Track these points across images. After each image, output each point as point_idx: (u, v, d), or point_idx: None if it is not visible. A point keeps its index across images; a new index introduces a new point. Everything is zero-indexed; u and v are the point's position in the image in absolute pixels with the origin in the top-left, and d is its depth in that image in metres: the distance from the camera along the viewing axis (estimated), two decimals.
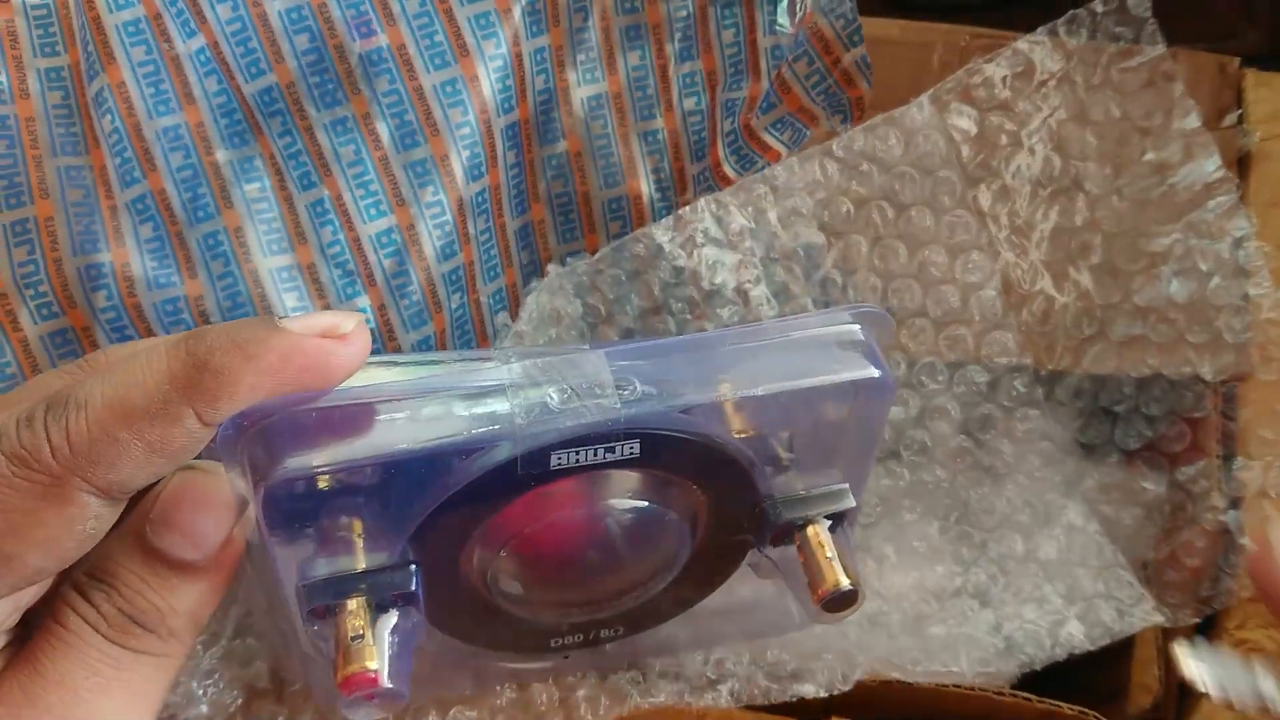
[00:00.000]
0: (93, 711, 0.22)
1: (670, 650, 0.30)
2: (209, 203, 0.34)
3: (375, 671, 0.23)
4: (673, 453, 0.25)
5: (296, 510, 0.23)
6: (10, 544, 0.21)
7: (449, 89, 0.35)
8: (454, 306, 0.37)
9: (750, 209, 0.35)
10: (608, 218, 0.39)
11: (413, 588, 0.25)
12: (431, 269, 0.36)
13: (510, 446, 0.23)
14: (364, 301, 0.35)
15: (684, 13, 0.37)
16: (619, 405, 0.23)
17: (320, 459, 0.22)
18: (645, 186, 0.38)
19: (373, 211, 0.35)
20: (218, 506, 0.23)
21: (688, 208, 0.35)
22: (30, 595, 0.23)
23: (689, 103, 0.38)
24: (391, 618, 0.24)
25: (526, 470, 0.24)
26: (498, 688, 0.31)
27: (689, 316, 0.35)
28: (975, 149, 0.38)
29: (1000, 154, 0.37)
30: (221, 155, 0.34)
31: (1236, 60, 0.41)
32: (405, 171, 0.35)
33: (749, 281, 0.35)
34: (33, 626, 0.24)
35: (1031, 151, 0.37)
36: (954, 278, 0.37)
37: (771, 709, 0.30)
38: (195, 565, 0.23)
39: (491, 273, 0.38)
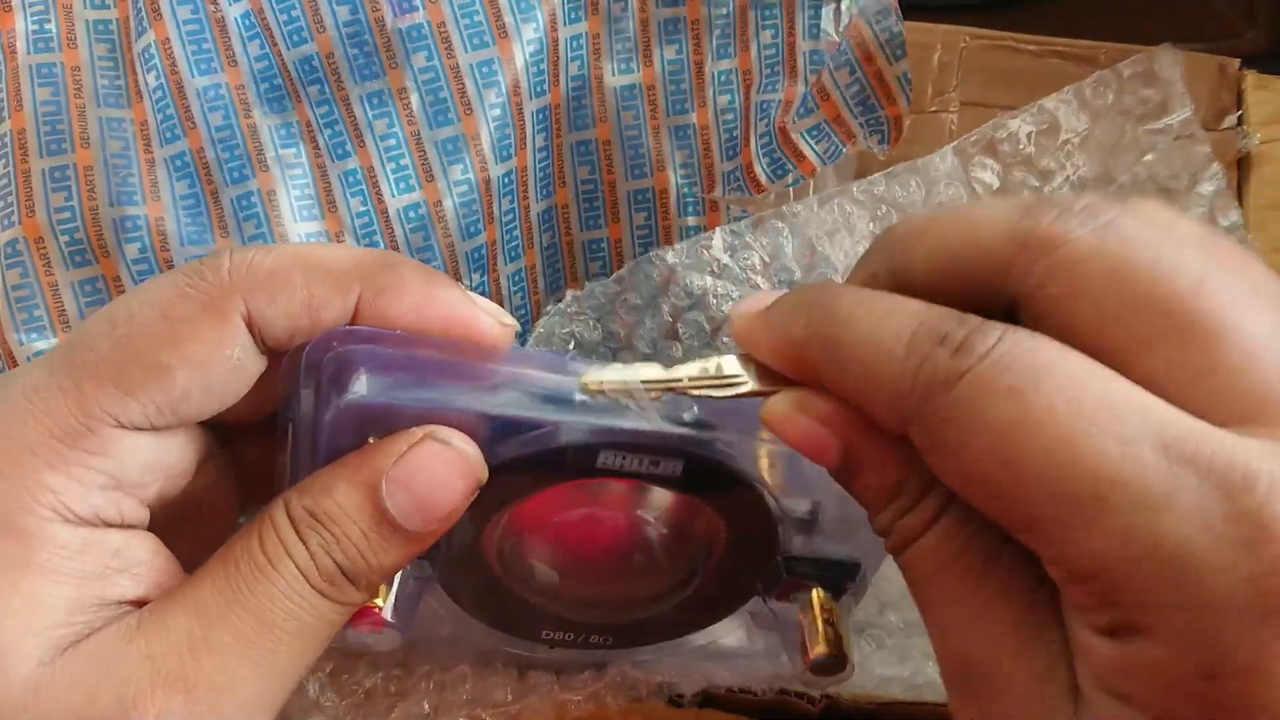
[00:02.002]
0: (281, 650, 0.22)
1: (651, 672, 0.31)
2: (245, 164, 0.35)
3: (380, 608, 0.24)
4: (712, 483, 0.26)
5: (356, 436, 0.23)
6: (167, 353, 0.22)
7: (485, 69, 0.36)
8: (474, 284, 0.37)
9: (765, 242, 0.36)
10: (632, 208, 0.39)
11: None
12: (455, 246, 0.37)
13: (566, 432, 0.24)
14: None
15: (724, 10, 0.37)
16: (679, 421, 0.24)
17: (398, 395, 0.23)
18: (673, 180, 0.38)
19: (402, 185, 0.35)
20: (460, 485, 0.23)
21: (703, 235, 0.35)
22: (178, 449, 0.24)
23: (722, 100, 0.38)
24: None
25: (573, 461, 0.24)
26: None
27: (696, 344, 0.35)
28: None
29: None
30: (260, 118, 0.35)
31: (1236, 61, 0.41)
32: (436, 148, 0.36)
33: None
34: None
35: None
36: None
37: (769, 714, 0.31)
38: (414, 533, 0.23)
39: (513, 253, 0.38)
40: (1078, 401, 0.18)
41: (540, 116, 0.37)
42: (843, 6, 0.35)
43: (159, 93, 0.35)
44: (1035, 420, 0.18)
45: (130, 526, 0.23)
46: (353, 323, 0.24)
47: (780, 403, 0.22)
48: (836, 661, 0.27)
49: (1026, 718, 0.20)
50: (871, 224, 0.38)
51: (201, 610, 0.22)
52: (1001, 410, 0.18)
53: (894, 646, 0.32)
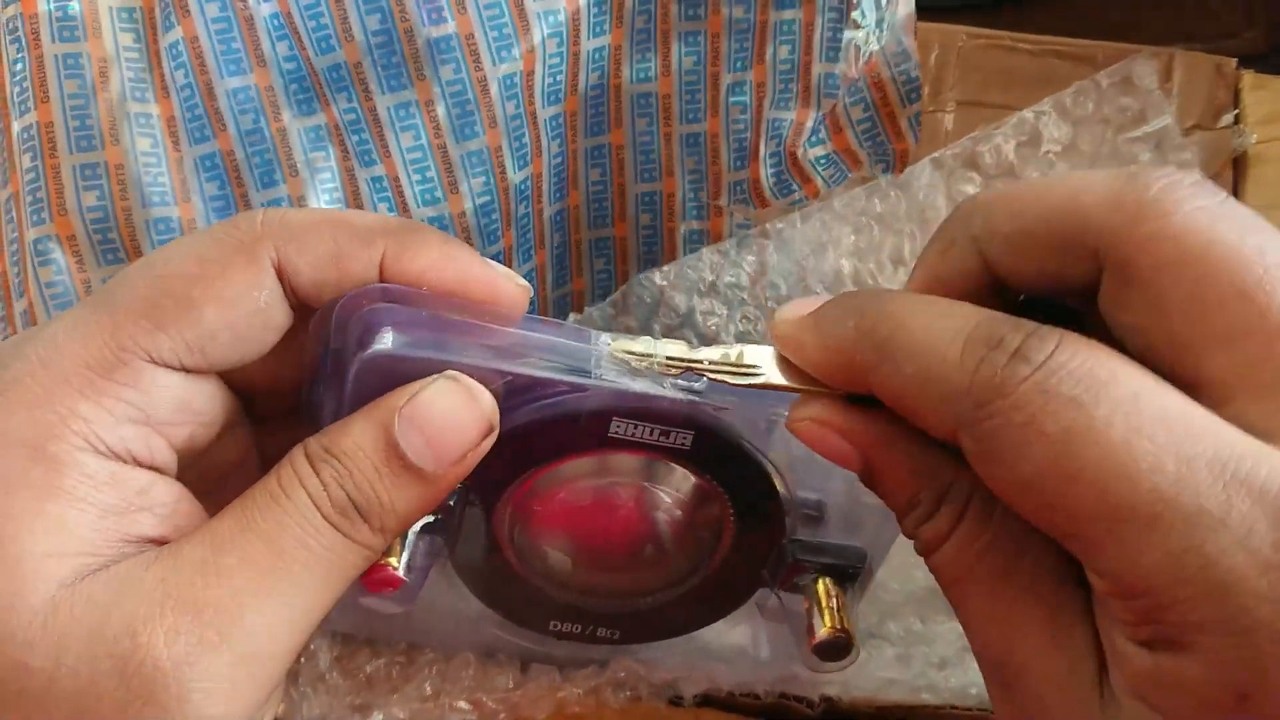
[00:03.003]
0: (290, 578, 0.23)
1: (654, 669, 0.33)
2: (275, 168, 0.35)
3: (395, 567, 0.25)
4: (721, 459, 0.27)
5: (380, 390, 0.24)
6: (198, 289, 0.24)
7: (509, 81, 0.36)
8: None
9: (752, 258, 0.37)
10: (639, 209, 0.40)
11: (452, 503, 0.27)
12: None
13: (581, 398, 0.25)
14: None
15: (744, 24, 0.38)
16: (689, 389, 0.25)
17: (421, 349, 0.24)
18: (679, 185, 0.40)
19: (427, 197, 0.36)
20: (471, 425, 0.24)
21: (690, 256, 0.36)
22: (206, 396, 0.25)
23: (735, 110, 0.39)
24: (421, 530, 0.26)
25: (586, 427, 0.26)
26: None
27: None
28: None
29: None
30: (289, 121, 0.35)
31: (1233, 61, 0.41)
32: (461, 161, 0.36)
33: (746, 332, 0.37)
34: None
35: None
36: None
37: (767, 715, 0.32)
38: (426, 473, 0.24)
39: (525, 255, 0.40)
40: (1137, 416, 0.18)
41: (555, 123, 0.38)
42: (861, 43, 0.36)
43: (187, 91, 0.35)
44: (1095, 432, 0.18)
45: (157, 469, 0.24)
46: (380, 278, 0.25)
47: (803, 414, 0.23)
48: (842, 642, 0.28)
49: (1058, 710, 0.20)
50: (854, 236, 0.39)
51: (215, 539, 0.23)
52: (1061, 420, 0.19)
53: (895, 655, 0.33)
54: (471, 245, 0.37)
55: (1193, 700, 0.19)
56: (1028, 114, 0.41)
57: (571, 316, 0.38)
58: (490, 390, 0.25)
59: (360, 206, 0.36)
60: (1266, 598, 0.18)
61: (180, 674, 0.21)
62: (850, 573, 0.29)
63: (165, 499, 0.24)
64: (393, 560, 0.25)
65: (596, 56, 0.38)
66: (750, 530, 0.29)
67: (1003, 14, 0.45)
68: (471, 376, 0.24)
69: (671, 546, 0.30)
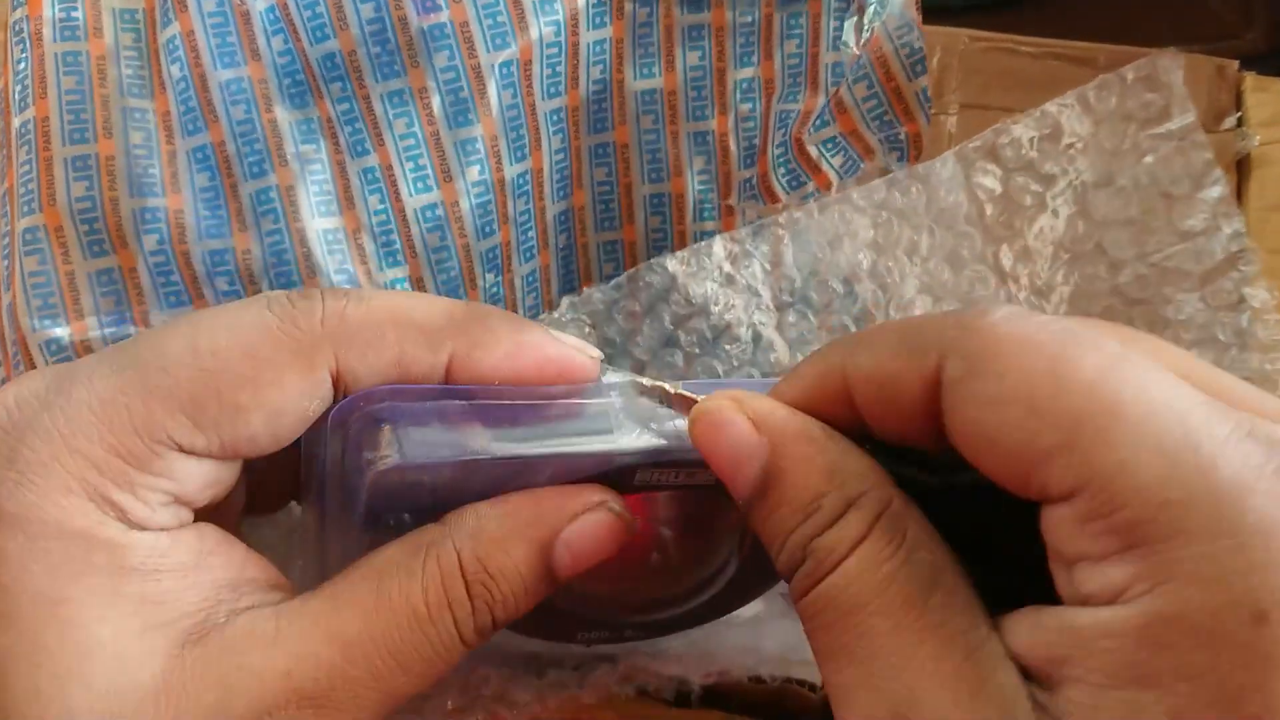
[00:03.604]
0: (410, 687, 0.22)
1: (667, 662, 0.31)
2: (265, 159, 0.34)
3: None
4: None
5: (396, 496, 0.23)
6: (246, 394, 0.22)
7: (505, 70, 0.36)
8: (488, 284, 0.37)
9: (767, 248, 0.36)
10: (648, 211, 0.39)
11: None
12: (470, 246, 0.37)
13: (601, 462, 0.24)
14: (402, 272, 0.35)
15: (749, 18, 0.37)
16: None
17: (431, 451, 0.22)
18: (689, 186, 0.38)
19: (419, 185, 0.35)
20: (612, 549, 0.24)
21: (704, 242, 0.35)
22: (230, 470, 0.23)
23: (743, 108, 0.38)
24: None
25: (613, 483, 0.24)
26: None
27: (698, 351, 0.35)
28: (999, 208, 0.37)
29: (1024, 215, 0.37)
30: (280, 113, 0.35)
31: (1235, 63, 0.41)
32: (455, 148, 0.35)
33: (761, 323, 0.35)
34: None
35: (1055, 214, 0.37)
36: None
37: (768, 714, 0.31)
38: (558, 580, 0.23)
39: (527, 254, 0.38)
40: (1125, 352, 0.18)
41: (556, 118, 0.37)
42: (865, 20, 0.34)
43: (182, 84, 0.34)
44: (1086, 346, 0.18)
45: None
46: (446, 379, 0.23)
47: (710, 400, 0.22)
48: None
49: None
50: (873, 230, 0.37)
51: (345, 644, 0.22)
52: (1053, 334, 0.18)
53: None
54: (466, 237, 0.36)
55: (1198, 640, 0.16)
56: (1050, 107, 0.40)
57: (565, 299, 0.36)
58: (513, 473, 0.24)
59: (351, 199, 0.35)
60: (1271, 497, 0.16)
61: None
62: None
63: (218, 538, 0.23)
64: None
65: (597, 49, 0.37)
66: None
67: (1003, 16, 0.44)
68: (487, 468, 0.23)
69: (693, 562, 0.29)
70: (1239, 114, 0.40)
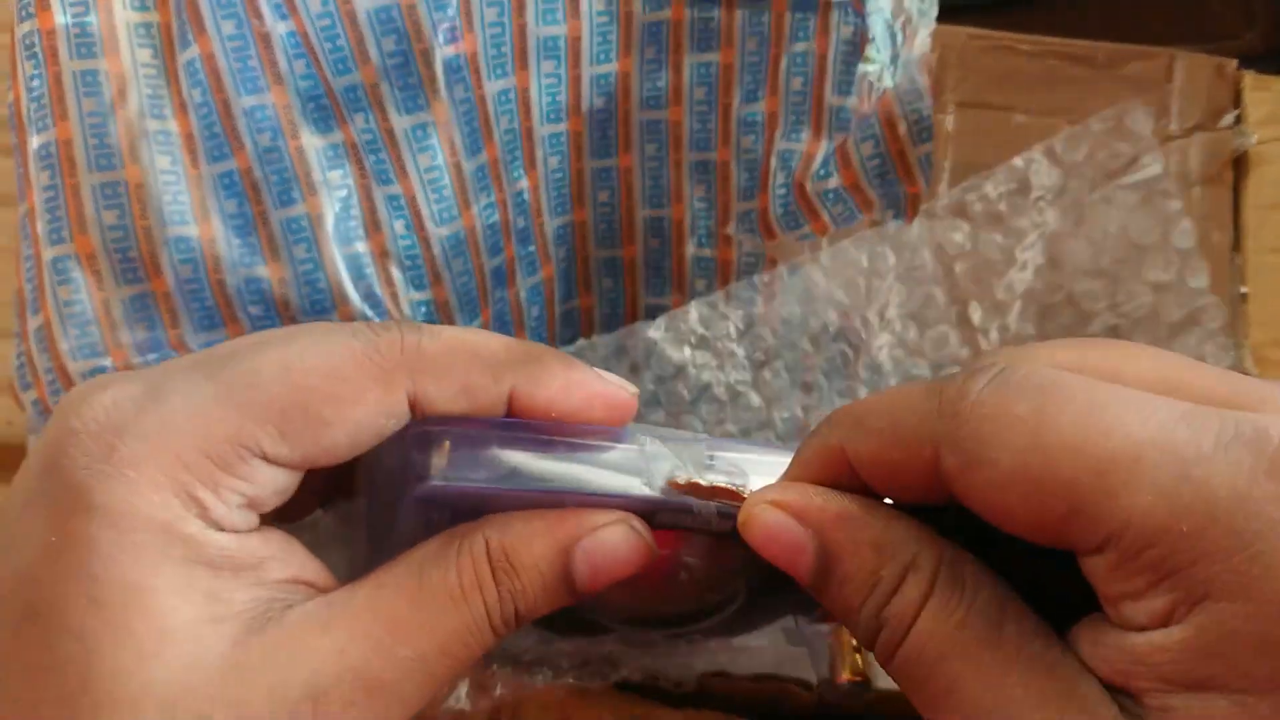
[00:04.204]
0: (447, 673, 0.25)
1: (661, 661, 0.34)
2: (293, 187, 0.35)
3: None
4: None
5: (434, 516, 0.26)
6: (331, 409, 0.24)
7: (504, 98, 0.37)
8: (497, 299, 0.39)
9: (741, 312, 0.38)
10: (647, 234, 0.41)
11: None
12: (484, 266, 0.38)
13: (629, 503, 0.26)
14: (427, 295, 0.37)
15: (757, 57, 0.39)
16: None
17: (475, 474, 0.25)
18: (689, 212, 0.40)
19: (445, 215, 0.36)
20: (630, 567, 0.26)
21: (680, 309, 0.37)
22: (299, 478, 0.26)
23: (746, 140, 0.39)
24: None
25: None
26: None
27: (679, 411, 0.37)
28: (968, 264, 0.39)
29: (993, 269, 0.39)
30: (306, 139, 0.35)
31: (1234, 62, 0.41)
32: (472, 176, 0.37)
33: (738, 381, 0.38)
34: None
35: (1025, 266, 0.39)
36: None
37: (764, 716, 0.34)
38: (576, 592, 0.25)
39: (530, 269, 0.40)
40: (1094, 389, 0.20)
41: (555, 141, 0.39)
42: (874, 78, 0.36)
43: (204, 109, 0.35)
44: (1060, 405, 0.19)
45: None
46: (509, 410, 0.26)
47: (753, 504, 0.24)
48: (863, 686, 0.30)
49: None
50: (842, 291, 0.39)
51: (396, 624, 0.24)
52: (1028, 402, 0.20)
53: None
54: (481, 258, 0.38)
55: (1246, 648, 0.18)
56: (1017, 162, 0.41)
57: (567, 347, 0.38)
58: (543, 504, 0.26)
59: (378, 224, 0.36)
60: (1270, 500, 0.18)
61: None
62: None
63: (279, 544, 0.25)
64: None
65: (602, 82, 0.38)
66: (784, 579, 0.30)
67: (1002, 14, 0.44)
68: (538, 499, 0.26)
69: (710, 596, 0.31)
70: (1237, 112, 0.40)
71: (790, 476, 0.25)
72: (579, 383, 0.27)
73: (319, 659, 0.23)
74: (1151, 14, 0.51)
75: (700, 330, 0.38)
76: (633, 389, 0.28)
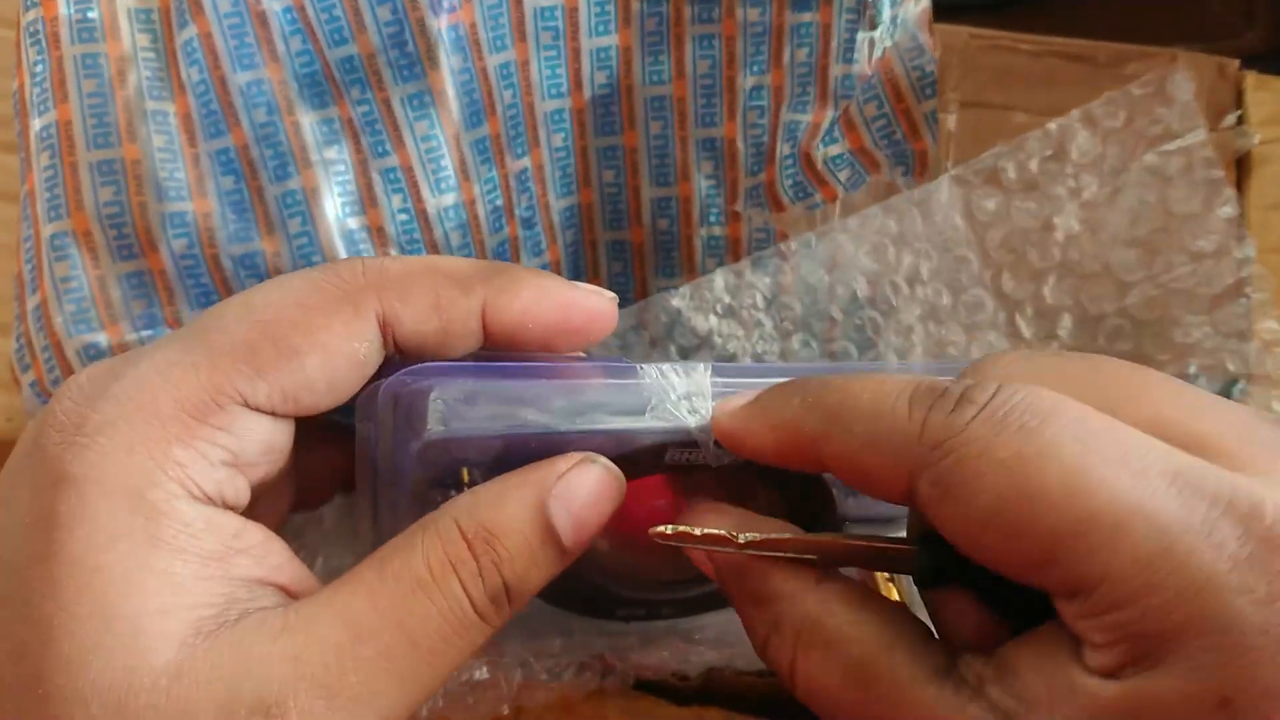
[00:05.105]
0: (430, 673, 0.22)
1: (660, 656, 0.33)
2: (289, 162, 0.35)
3: None
4: (771, 469, 0.26)
5: (442, 469, 0.24)
6: (300, 337, 0.23)
7: (504, 70, 0.36)
8: None
9: (768, 279, 0.36)
10: (655, 214, 0.40)
11: None
12: (485, 242, 0.38)
13: (637, 438, 0.25)
14: None
15: (759, 27, 0.38)
16: None
17: (477, 425, 0.24)
18: (696, 190, 0.39)
19: (442, 185, 0.36)
20: (607, 505, 0.24)
21: (704, 276, 0.36)
22: (284, 436, 0.24)
23: (752, 115, 0.38)
24: None
25: (643, 459, 0.25)
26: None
27: None
28: (1001, 230, 0.37)
29: (1027, 237, 0.37)
30: (302, 115, 0.35)
31: (1236, 62, 0.41)
32: (471, 148, 0.36)
33: (766, 353, 0.36)
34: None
35: (1060, 234, 0.37)
36: (970, 358, 0.37)
37: (770, 713, 0.32)
38: (566, 549, 0.24)
39: (534, 249, 0.39)
40: (1085, 434, 0.19)
41: (558, 117, 0.38)
42: (876, 39, 0.35)
43: (201, 87, 0.35)
44: (1048, 452, 0.19)
45: (242, 511, 0.24)
46: (483, 326, 0.25)
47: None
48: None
49: None
50: (871, 257, 0.38)
51: (352, 623, 0.22)
52: (1014, 445, 0.19)
53: None
54: (482, 234, 0.37)
55: (1169, 715, 0.18)
56: (1053, 126, 0.39)
57: None
58: (556, 449, 0.25)
59: (374, 199, 0.36)
60: (1241, 592, 0.17)
61: None
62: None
63: (257, 538, 0.23)
64: None
65: (602, 55, 0.38)
66: (802, 517, 0.29)
67: (1003, 14, 0.44)
68: (533, 442, 0.24)
69: None
70: (1239, 112, 0.40)
71: (752, 441, 0.24)
72: (552, 290, 0.26)
73: (270, 668, 0.21)
74: (1152, 14, 0.51)
75: (726, 299, 0.37)
76: (610, 295, 0.26)
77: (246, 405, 0.23)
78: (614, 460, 0.25)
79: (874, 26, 0.36)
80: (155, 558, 0.21)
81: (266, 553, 0.24)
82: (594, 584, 0.30)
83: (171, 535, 0.22)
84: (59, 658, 0.21)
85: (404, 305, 0.24)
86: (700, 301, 0.36)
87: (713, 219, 0.39)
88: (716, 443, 0.25)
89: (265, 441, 0.24)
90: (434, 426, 0.23)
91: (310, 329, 0.23)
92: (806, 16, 0.37)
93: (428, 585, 0.22)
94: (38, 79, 0.35)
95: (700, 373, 0.26)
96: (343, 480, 0.28)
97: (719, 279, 0.36)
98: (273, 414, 0.24)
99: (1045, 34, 0.42)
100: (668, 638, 0.34)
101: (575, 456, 0.24)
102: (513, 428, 0.24)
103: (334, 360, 0.24)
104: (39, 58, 0.35)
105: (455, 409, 0.23)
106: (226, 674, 0.21)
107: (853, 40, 0.37)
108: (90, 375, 0.23)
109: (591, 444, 0.25)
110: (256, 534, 0.24)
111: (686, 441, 0.25)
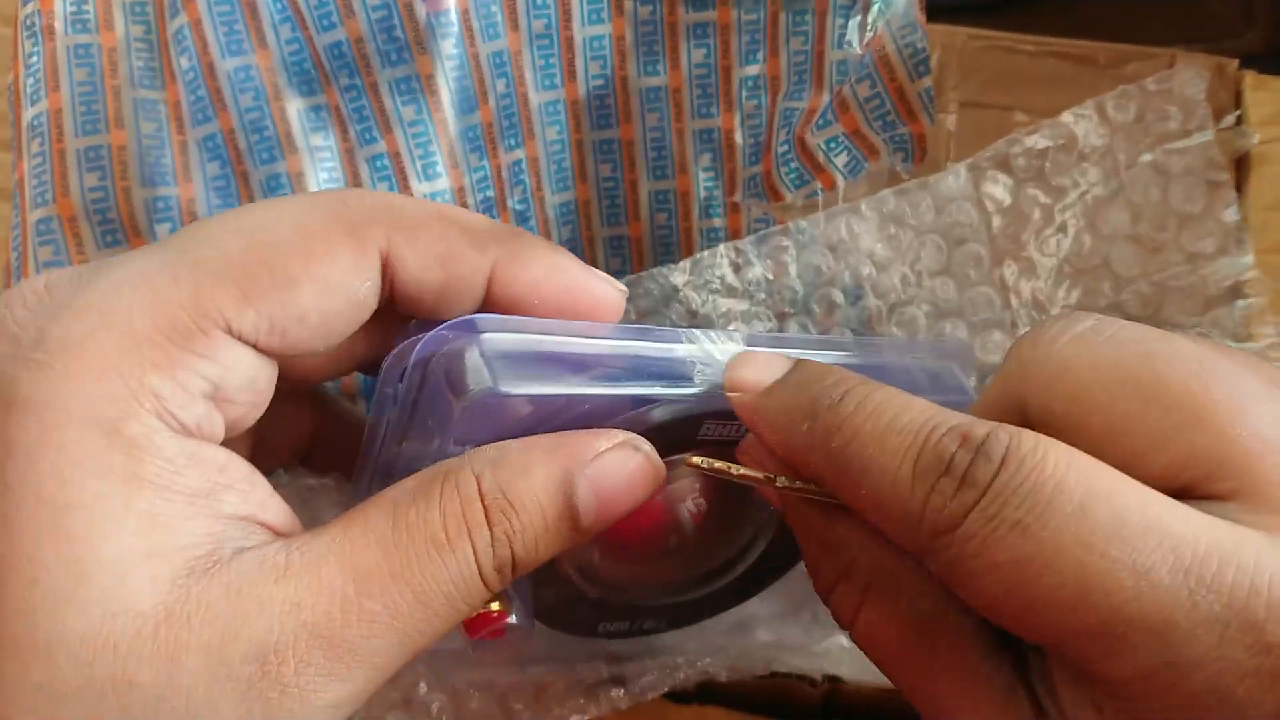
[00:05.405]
0: (429, 631, 0.21)
1: (701, 651, 0.31)
2: (274, 146, 0.34)
3: (500, 612, 0.23)
4: None
5: (482, 431, 0.22)
6: (298, 265, 0.21)
7: (497, 59, 0.36)
8: None
9: (770, 260, 0.35)
10: (653, 208, 0.39)
11: None
12: None
13: (673, 409, 0.23)
14: None
15: (754, 16, 0.37)
16: None
17: (520, 387, 0.22)
18: (694, 183, 0.38)
19: (429, 172, 0.35)
20: (640, 495, 0.23)
21: (706, 251, 0.35)
22: (267, 376, 0.22)
23: (749, 106, 0.37)
24: None
25: (680, 431, 0.24)
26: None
27: None
28: (1006, 220, 0.36)
29: (1031, 227, 0.36)
30: (289, 102, 0.34)
31: (1235, 62, 0.40)
32: (460, 136, 0.36)
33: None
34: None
35: (1063, 228, 0.37)
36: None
37: (771, 712, 0.31)
38: (582, 529, 0.22)
39: None
40: (1087, 532, 0.17)
41: (552, 109, 0.37)
42: (869, 19, 0.35)
43: (191, 74, 0.35)
44: (1044, 557, 0.18)
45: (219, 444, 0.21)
46: (488, 290, 0.23)
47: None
48: None
49: None
50: (879, 243, 0.37)
51: (361, 574, 0.20)
52: (1009, 549, 0.18)
53: None
54: None
55: None
56: (1066, 117, 0.39)
57: None
58: (597, 416, 0.23)
59: (360, 186, 0.35)
60: (1249, 704, 0.17)
61: (307, 703, 0.19)
62: None
63: (242, 473, 0.21)
64: (494, 605, 0.23)
65: (595, 45, 0.37)
66: None
67: (1002, 14, 0.44)
68: (591, 405, 0.23)
69: (724, 537, 0.29)
70: (1238, 112, 0.39)
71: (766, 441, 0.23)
72: (566, 268, 0.24)
73: (270, 613, 0.19)
74: (1152, 14, 0.50)
75: (728, 277, 0.35)
76: (621, 287, 0.25)
77: (230, 333, 0.20)
78: (653, 429, 0.23)
79: (867, 8, 0.35)
80: (138, 497, 0.19)
81: (252, 488, 0.21)
82: (577, 592, 0.28)
83: (154, 472, 0.19)
84: (20, 606, 0.18)
85: (410, 250, 0.22)
86: (700, 278, 0.35)
87: (713, 212, 0.38)
88: None
89: (248, 377, 0.21)
90: (479, 386, 0.21)
91: (309, 257, 0.21)
92: (802, 4, 0.37)
93: (442, 546, 0.20)
94: (32, 69, 0.35)
95: (738, 342, 0.25)
96: (299, 449, 0.27)
97: (721, 255, 0.35)
98: (255, 347, 0.21)
99: (1045, 34, 0.42)
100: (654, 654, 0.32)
101: (618, 436, 0.22)
102: (557, 390, 0.22)
103: (331, 295, 0.21)
104: (34, 49, 0.35)
105: (500, 367, 0.22)
106: (222, 616, 0.19)
107: (846, 25, 0.36)
108: (50, 281, 0.20)
109: (635, 413, 0.23)
110: (241, 468, 0.21)
111: (726, 413, 0.24)
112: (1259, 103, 0.40)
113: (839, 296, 0.37)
